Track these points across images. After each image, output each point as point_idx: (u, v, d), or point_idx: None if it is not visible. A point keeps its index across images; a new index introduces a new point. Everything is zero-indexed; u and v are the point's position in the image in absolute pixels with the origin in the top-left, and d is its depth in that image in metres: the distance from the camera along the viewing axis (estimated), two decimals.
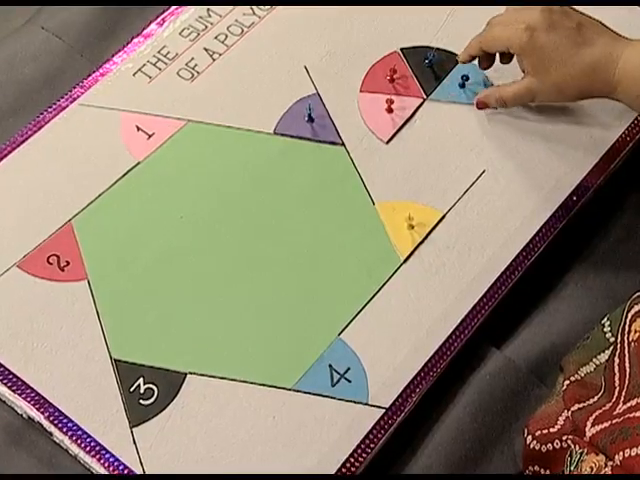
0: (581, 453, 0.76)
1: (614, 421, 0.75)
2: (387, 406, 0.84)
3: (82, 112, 1.01)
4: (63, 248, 0.91)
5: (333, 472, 0.82)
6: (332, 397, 0.85)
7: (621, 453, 0.72)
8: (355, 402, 0.84)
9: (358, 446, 0.83)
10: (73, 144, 0.98)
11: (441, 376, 0.87)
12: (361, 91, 1.02)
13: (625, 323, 0.80)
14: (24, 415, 0.84)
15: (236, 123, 1.00)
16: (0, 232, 0.93)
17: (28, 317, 0.88)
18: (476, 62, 1.00)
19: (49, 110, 1.00)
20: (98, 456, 0.82)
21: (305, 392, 0.85)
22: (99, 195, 0.95)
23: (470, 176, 0.97)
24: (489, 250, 0.92)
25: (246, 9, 1.08)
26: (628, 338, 0.79)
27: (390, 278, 0.91)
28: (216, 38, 1.06)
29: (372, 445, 0.83)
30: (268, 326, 0.88)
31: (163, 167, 0.97)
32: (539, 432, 0.81)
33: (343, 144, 0.98)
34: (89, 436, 0.82)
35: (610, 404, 0.77)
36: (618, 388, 0.78)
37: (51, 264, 0.90)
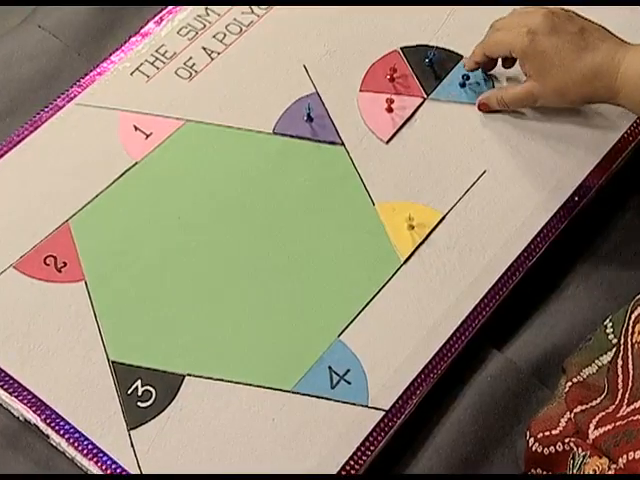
0: (584, 456, 0.76)
1: (617, 423, 0.75)
2: (387, 408, 0.84)
3: (79, 112, 1.00)
4: (60, 249, 0.91)
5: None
6: (332, 399, 0.84)
7: (625, 456, 0.72)
8: (355, 404, 0.84)
9: (358, 448, 0.82)
10: (70, 144, 0.98)
11: (442, 378, 0.87)
12: (361, 90, 1.02)
13: (628, 325, 0.80)
14: (20, 418, 0.84)
15: (235, 123, 0.99)
16: None
17: (25, 319, 0.88)
18: None
19: (46, 110, 1.00)
20: (95, 459, 0.81)
21: (304, 394, 0.84)
22: (96, 195, 0.94)
23: (471, 176, 0.96)
24: (490, 251, 0.92)
25: (245, 8, 1.08)
26: (631, 340, 0.79)
27: (390, 279, 0.90)
28: (214, 37, 1.06)
29: (372, 447, 0.83)
30: (267, 327, 0.88)
31: (161, 167, 0.97)
32: (541, 434, 0.81)
33: (343, 144, 0.98)
34: (86, 439, 0.82)
35: (613, 406, 0.77)
36: (621, 390, 0.78)
37: (48, 265, 0.90)
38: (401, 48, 1.05)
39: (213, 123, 1.00)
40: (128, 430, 0.82)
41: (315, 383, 0.85)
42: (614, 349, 0.83)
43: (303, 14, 1.07)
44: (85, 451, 0.81)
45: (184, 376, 0.85)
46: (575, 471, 0.76)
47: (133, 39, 1.06)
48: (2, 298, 0.89)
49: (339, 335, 0.87)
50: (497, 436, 0.85)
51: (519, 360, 0.88)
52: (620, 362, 0.80)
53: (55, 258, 0.90)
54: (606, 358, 0.84)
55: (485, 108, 1.00)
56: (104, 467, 0.81)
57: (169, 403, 0.84)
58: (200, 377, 0.85)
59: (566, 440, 0.78)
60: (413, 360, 0.86)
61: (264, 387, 0.85)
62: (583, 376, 0.84)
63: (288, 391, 0.84)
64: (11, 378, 0.85)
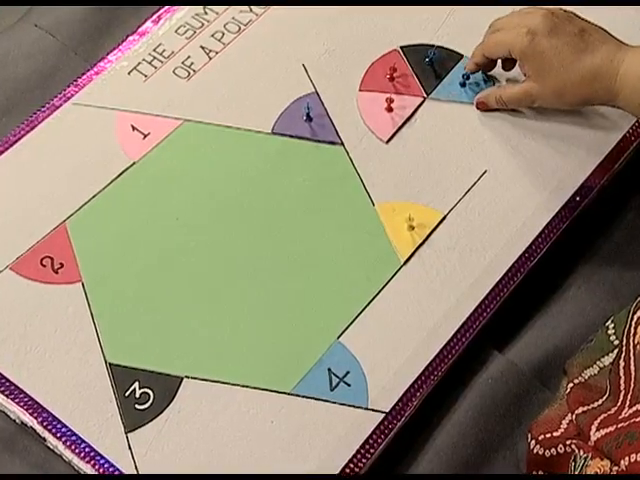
0: (586, 458, 0.76)
1: (619, 425, 0.75)
2: (387, 410, 0.84)
3: (76, 111, 1.00)
4: (57, 250, 0.91)
5: None
6: (331, 401, 0.84)
7: (627, 458, 0.71)
8: (355, 406, 0.84)
9: (358, 451, 0.82)
10: (67, 144, 0.98)
11: (442, 380, 0.86)
12: (360, 90, 1.02)
13: (630, 325, 0.80)
14: (17, 420, 0.84)
15: (233, 122, 0.99)
16: None
17: (21, 320, 0.87)
18: None
19: (42, 109, 1.00)
20: (93, 462, 0.81)
21: (304, 396, 0.84)
22: (94, 196, 0.94)
23: (471, 176, 0.96)
24: (491, 251, 0.92)
25: (243, 7, 1.08)
26: (633, 341, 0.79)
27: (390, 280, 0.90)
28: (213, 36, 1.05)
29: (372, 450, 0.82)
30: (266, 329, 0.88)
31: (159, 167, 0.96)
32: (542, 436, 0.80)
33: (342, 144, 0.98)
34: (83, 441, 0.82)
35: (615, 408, 0.77)
36: (623, 392, 0.78)
37: (44, 266, 0.90)
38: (401, 47, 1.04)
39: (211, 123, 0.99)
40: (126, 433, 0.82)
41: (314, 385, 0.85)
42: (616, 350, 0.83)
43: (302, 13, 1.07)
44: (82, 454, 0.81)
45: (182, 378, 0.85)
46: (577, 473, 0.76)
47: (130, 38, 1.05)
48: None
49: (338, 337, 0.87)
50: (498, 438, 0.85)
51: (520, 362, 0.88)
52: (622, 363, 0.79)
53: (52, 259, 0.90)
54: (608, 359, 0.84)
55: (483, 107, 1.00)
56: (101, 470, 0.81)
57: (167, 405, 0.83)
58: (198, 379, 0.85)
59: (567, 442, 0.78)
60: (413, 362, 0.86)
61: (263, 389, 0.84)
62: (584, 377, 0.84)
63: (287, 393, 0.84)
64: (7, 380, 0.84)
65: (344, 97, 1.01)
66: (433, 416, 0.86)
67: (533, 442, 0.81)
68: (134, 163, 0.96)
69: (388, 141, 0.98)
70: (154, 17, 1.07)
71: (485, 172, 0.96)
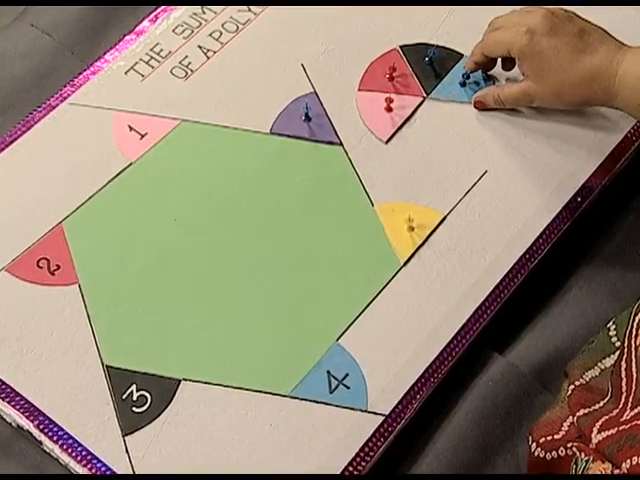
0: (587, 461, 0.75)
1: (621, 428, 0.74)
2: (387, 413, 0.84)
3: (73, 111, 1.00)
4: (53, 251, 0.91)
5: None
6: (330, 404, 0.84)
7: (628, 461, 0.71)
8: (354, 409, 0.84)
9: (357, 454, 0.82)
10: (63, 144, 0.98)
11: (442, 382, 0.86)
12: (359, 89, 1.01)
13: (632, 327, 0.80)
14: (13, 424, 0.84)
15: (231, 123, 0.99)
16: None
17: (17, 322, 0.87)
18: None
19: (39, 109, 1.00)
20: (89, 465, 0.81)
21: (303, 399, 0.84)
22: (90, 197, 0.94)
23: (472, 177, 0.96)
24: (491, 252, 0.92)
25: (241, 6, 1.07)
26: (635, 342, 0.79)
27: (390, 281, 0.90)
28: (210, 35, 1.05)
29: (371, 453, 0.82)
30: (264, 331, 0.87)
31: (156, 168, 0.96)
32: (543, 439, 0.80)
33: (341, 144, 0.98)
34: (80, 445, 0.82)
35: (617, 410, 0.77)
36: (625, 394, 0.78)
37: (41, 268, 0.90)
38: (400, 46, 1.04)
39: (209, 123, 0.99)
40: (123, 436, 0.82)
41: (313, 387, 0.84)
42: (617, 352, 0.82)
43: (301, 12, 1.07)
44: (79, 457, 0.81)
45: (180, 381, 0.84)
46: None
47: (127, 38, 1.05)
48: None
49: (338, 339, 0.87)
50: (499, 441, 0.84)
51: (521, 364, 0.88)
52: (624, 365, 0.79)
53: (48, 261, 0.90)
54: (609, 361, 0.83)
55: (481, 106, 1.00)
56: (98, 474, 0.80)
57: (164, 408, 0.83)
58: (196, 382, 0.84)
59: (568, 445, 0.78)
60: (413, 364, 0.86)
61: (261, 392, 0.84)
62: (586, 379, 0.83)
63: (286, 396, 0.84)
64: (3, 383, 0.84)
65: (343, 97, 1.01)
66: (433, 419, 0.85)
67: (534, 445, 0.80)
68: (131, 163, 0.96)
69: (387, 141, 0.98)
70: (151, 16, 1.07)
71: (485, 172, 0.96)
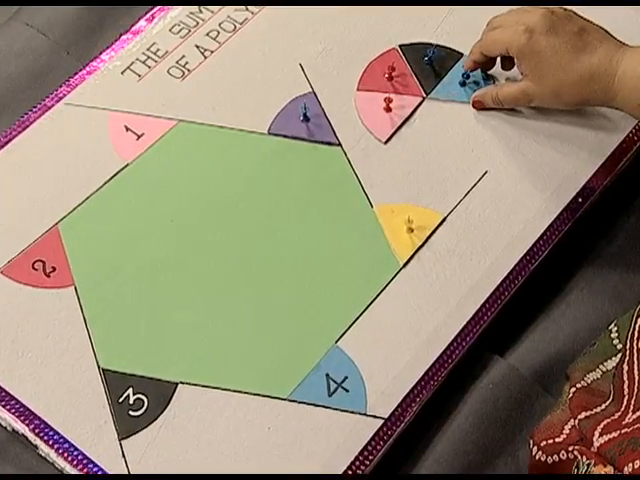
0: (588, 464, 0.75)
1: (623, 431, 0.74)
2: (386, 416, 0.83)
3: (68, 112, 1.00)
4: (49, 253, 0.90)
5: None
6: (329, 407, 0.84)
7: (630, 465, 0.71)
8: (353, 412, 0.83)
9: (356, 458, 0.82)
10: (59, 145, 0.98)
11: (442, 385, 0.86)
12: (358, 89, 1.01)
13: (634, 329, 0.80)
14: (8, 428, 0.83)
15: (229, 123, 0.99)
16: None
17: (12, 325, 0.87)
18: None
19: (34, 110, 1.00)
20: (86, 470, 0.81)
21: (301, 402, 0.84)
22: (86, 198, 0.94)
23: (472, 177, 0.96)
24: (491, 254, 0.92)
25: (239, 5, 1.07)
26: (637, 345, 0.79)
27: (389, 283, 0.90)
28: (208, 35, 1.05)
29: (371, 457, 0.82)
30: (262, 334, 0.87)
31: (153, 169, 0.96)
32: (544, 442, 0.80)
33: (340, 144, 0.98)
34: (76, 449, 0.81)
35: (619, 413, 0.77)
36: (627, 396, 0.77)
37: (36, 270, 0.90)
38: (400, 46, 1.04)
39: (206, 123, 0.99)
40: (119, 440, 0.82)
41: (312, 391, 0.84)
42: (619, 354, 0.82)
43: (299, 11, 1.07)
44: (75, 462, 0.81)
45: (177, 384, 0.84)
46: None
47: (124, 37, 1.05)
48: None
49: (336, 341, 0.87)
50: (499, 444, 0.84)
51: (522, 367, 0.87)
52: (626, 367, 0.79)
53: (44, 263, 0.90)
54: (611, 363, 0.83)
55: (479, 105, 1.00)
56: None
57: (161, 412, 0.83)
58: (193, 385, 0.84)
59: (570, 448, 0.78)
60: (413, 367, 0.86)
61: (259, 395, 0.84)
62: (587, 381, 0.83)
63: (284, 399, 0.84)
64: None
65: (342, 97, 1.00)
66: (433, 422, 0.85)
67: (535, 448, 0.80)
68: (128, 164, 0.96)
69: (387, 142, 0.98)
70: (148, 16, 1.07)
71: (486, 173, 0.96)
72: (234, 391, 0.84)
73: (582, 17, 0.94)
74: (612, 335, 0.84)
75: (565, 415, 0.81)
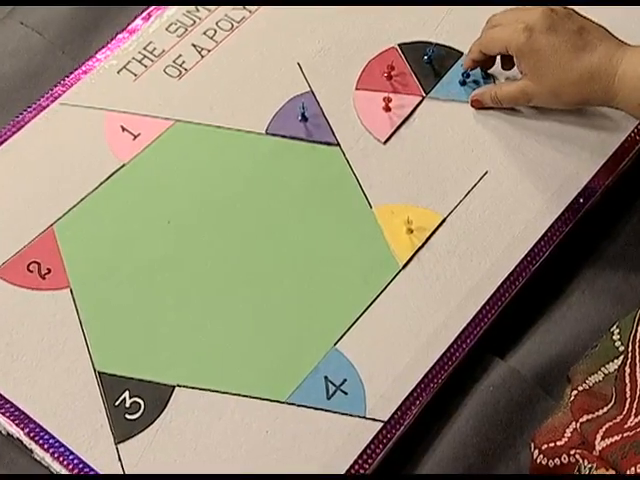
0: (590, 468, 0.75)
1: (625, 434, 0.74)
2: (385, 419, 0.83)
3: (64, 112, 0.99)
4: (44, 255, 0.90)
5: None
6: (328, 410, 0.83)
7: (633, 468, 0.71)
8: (352, 415, 0.83)
9: (355, 461, 0.81)
10: (55, 145, 0.97)
11: (442, 388, 0.86)
12: (357, 89, 1.01)
13: (636, 331, 0.79)
14: (3, 431, 0.83)
15: (226, 123, 0.99)
16: None
17: (7, 328, 0.87)
18: None
19: (29, 110, 1.00)
20: (82, 474, 0.80)
21: (300, 405, 0.84)
22: (82, 199, 0.94)
23: (472, 178, 0.96)
24: (492, 255, 0.91)
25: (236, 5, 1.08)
26: (639, 347, 0.78)
27: (388, 285, 0.89)
28: (205, 34, 1.05)
29: (370, 460, 0.82)
30: (260, 336, 0.87)
31: (150, 169, 0.96)
32: (546, 446, 0.79)
33: (338, 144, 0.97)
34: (72, 453, 0.81)
35: (621, 416, 0.76)
36: (629, 399, 0.77)
37: (31, 272, 0.89)
38: (399, 45, 1.04)
39: (204, 123, 0.99)
40: (115, 443, 0.81)
41: (310, 394, 0.84)
42: (621, 356, 0.82)
43: (297, 10, 1.07)
44: (71, 466, 0.80)
45: (174, 387, 0.84)
46: None
47: (120, 36, 1.05)
48: None
49: (335, 344, 0.86)
50: (500, 448, 0.84)
51: (523, 369, 0.87)
52: (628, 370, 0.79)
53: (39, 264, 0.90)
54: (613, 366, 0.83)
55: (478, 105, 0.99)
56: None
57: (158, 415, 0.83)
58: (191, 388, 0.84)
59: (571, 452, 0.77)
60: (412, 369, 0.85)
61: (257, 398, 0.84)
62: (589, 384, 0.83)
63: (282, 402, 0.84)
64: None
65: (340, 96, 1.00)
66: (433, 425, 0.85)
67: (536, 452, 0.80)
68: (124, 165, 0.96)
69: (386, 142, 0.98)
70: (144, 14, 1.07)
71: (486, 173, 0.96)
72: (232, 394, 0.83)
73: (582, 16, 0.93)
74: (614, 337, 0.84)
75: (566, 418, 0.81)
